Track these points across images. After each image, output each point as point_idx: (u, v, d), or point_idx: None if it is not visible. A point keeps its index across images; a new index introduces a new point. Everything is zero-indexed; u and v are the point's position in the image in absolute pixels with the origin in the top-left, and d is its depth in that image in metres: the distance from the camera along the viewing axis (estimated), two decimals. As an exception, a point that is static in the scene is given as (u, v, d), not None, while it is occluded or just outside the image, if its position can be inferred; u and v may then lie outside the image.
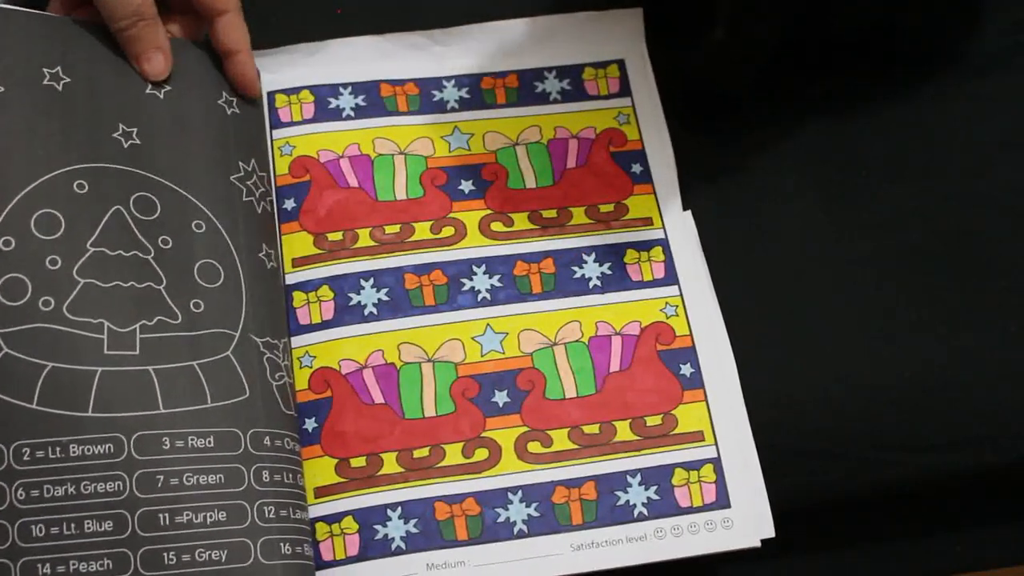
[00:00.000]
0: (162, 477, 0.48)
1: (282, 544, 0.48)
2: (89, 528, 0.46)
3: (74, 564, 0.46)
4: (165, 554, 0.47)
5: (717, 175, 0.58)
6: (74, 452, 0.47)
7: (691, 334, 0.54)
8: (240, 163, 0.54)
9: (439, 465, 0.52)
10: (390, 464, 0.52)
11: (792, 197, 0.58)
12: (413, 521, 0.50)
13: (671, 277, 0.56)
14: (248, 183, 0.54)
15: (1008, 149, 0.59)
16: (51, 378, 0.48)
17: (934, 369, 0.54)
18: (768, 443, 0.53)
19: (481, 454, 0.52)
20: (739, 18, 0.56)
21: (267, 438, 0.50)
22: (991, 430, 0.54)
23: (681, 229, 0.57)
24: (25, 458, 0.47)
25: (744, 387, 0.54)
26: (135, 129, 0.53)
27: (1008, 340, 0.55)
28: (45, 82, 0.52)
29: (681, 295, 0.55)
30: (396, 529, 0.50)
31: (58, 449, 0.47)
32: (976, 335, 0.55)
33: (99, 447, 0.47)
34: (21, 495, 0.46)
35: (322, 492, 0.51)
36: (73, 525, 0.46)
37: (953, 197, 0.58)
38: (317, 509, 0.51)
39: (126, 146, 0.52)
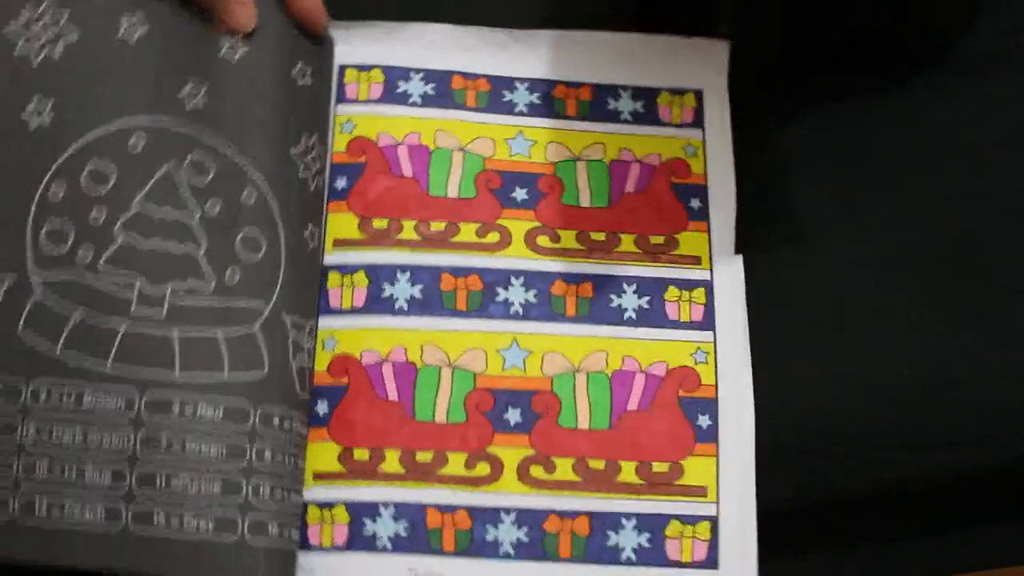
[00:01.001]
0: (166, 440, 0.48)
1: (270, 525, 0.48)
2: (89, 476, 0.48)
3: (68, 507, 0.47)
4: (155, 514, 0.48)
5: None
6: (87, 401, 0.48)
7: (716, 385, 0.54)
8: (303, 137, 0.54)
9: (439, 472, 0.52)
10: (392, 462, 0.52)
11: (792, 197, 0.57)
12: (403, 523, 0.51)
13: (708, 323, 0.55)
14: (306, 159, 0.54)
15: (1008, 149, 0.58)
16: (78, 326, 0.49)
17: (934, 369, 0.54)
18: (768, 443, 0.52)
19: (483, 469, 0.52)
20: (739, 18, 0.56)
21: (276, 418, 0.50)
22: (991, 430, 0.53)
23: (729, 275, 0.56)
24: (42, 397, 0.48)
25: None
26: (204, 88, 0.52)
27: (1008, 340, 0.54)
28: (121, 31, 0.52)
29: (715, 343, 0.54)
30: (385, 528, 0.51)
31: (73, 395, 0.48)
32: (976, 335, 0.54)
33: (112, 400, 0.48)
34: (32, 433, 0.48)
35: (320, 476, 0.52)
36: (75, 470, 0.48)
37: (953, 197, 0.57)
38: (313, 492, 0.51)
39: (189, 107, 0.52)
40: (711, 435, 0.53)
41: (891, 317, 0.55)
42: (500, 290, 0.55)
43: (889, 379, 0.54)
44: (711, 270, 0.56)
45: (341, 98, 0.58)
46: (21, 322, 0.49)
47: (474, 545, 0.51)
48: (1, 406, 0.48)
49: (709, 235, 0.56)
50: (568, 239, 0.56)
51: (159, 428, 0.48)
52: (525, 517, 0.51)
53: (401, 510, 0.51)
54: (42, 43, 0.51)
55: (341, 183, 0.56)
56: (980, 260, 0.56)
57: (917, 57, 0.60)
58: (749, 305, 0.55)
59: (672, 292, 0.55)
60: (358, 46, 0.58)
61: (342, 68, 0.58)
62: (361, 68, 0.58)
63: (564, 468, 0.52)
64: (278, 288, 0.51)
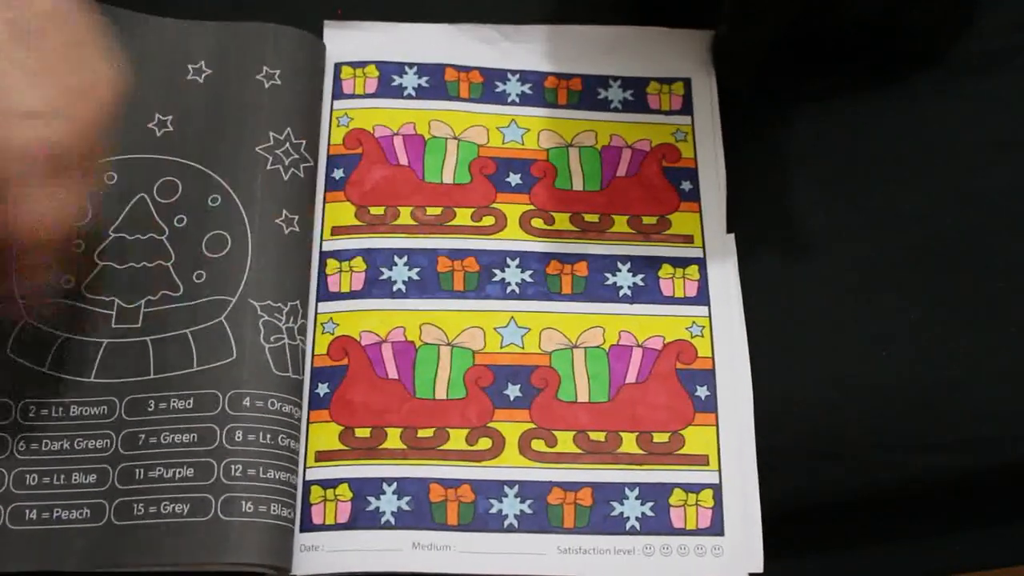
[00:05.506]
0: (143, 436, 0.50)
1: (244, 502, 0.49)
2: (76, 480, 0.50)
3: (57, 512, 0.49)
4: (135, 505, 0.49)
5: None
6: (74, 412, 0.51)
7: (713, 357, 0.54)
8: (271, 133, 0.55)
9: (441, 448, 0.52)
10: (393, 439, 0.52)
11: (791, 197, 0.57)
12: (406, 499, 0.51)
13: (703, 297, 0.55)
14: (277, 151, 0.55)
15: (1007, 149, 0.58)
16: (63, 347, 0.52)
17: (934, 369, 0.54)
18: (768, 444, 0.52)
19: (484, 443, 0.52)
20: (741, 16, 0.56)
21: (247, 399, 0.51)
22: (991, 430, 0.53)
23: (721, 251, 0.56)
24: (30, 414, 0.51)
25: None
26: (171, 116, 0.55)
27: (1008, 341, 0.54)
28: None
29: (710, 317, 0.55)
30: (388, 504, 0.51)
31: (60, 409, 0.51)
32: (976, 335, 0.54)
33: (95, 408, 0.51)
34: (22, 447, 0.50)
35: (323, 456, 0.52)
36: (63, 476, 0.50)
37: (953, 197, 0.57)
38: (315, 472, 0.51)
39: (159, 135, 0.55)
40: (710, 405, 0.53)
41: (891, 317, 0.55)
42: (496, 271, 0.55)
43: (889, 379, 0.54)
44: (703, 247, 0.56)
45: (338, 94, 0.59)
46: (9, 344, 0.52)
47: (478, 518, 0.51)
48: None
49: (700, 215, 0.57)
50: (562, 221, 0.57)
51: (137, 427, 0.50)
52: (528, 490, 0.51)
53: (404, 486, 0.51)
54: None
55: (338, 174, 0.57)
56: (980, 260, 0.56)
57: (916, 57, 0.60)
58: (748, 307, 0.55)
59: (666, 269, 0.56)
60: (352, 44, 0.60)
61: (337, 66, 0.59)
62: (356, 64, 0.59)
63: (565, 441, 0.52)
64: (245, 278, 0.53)
